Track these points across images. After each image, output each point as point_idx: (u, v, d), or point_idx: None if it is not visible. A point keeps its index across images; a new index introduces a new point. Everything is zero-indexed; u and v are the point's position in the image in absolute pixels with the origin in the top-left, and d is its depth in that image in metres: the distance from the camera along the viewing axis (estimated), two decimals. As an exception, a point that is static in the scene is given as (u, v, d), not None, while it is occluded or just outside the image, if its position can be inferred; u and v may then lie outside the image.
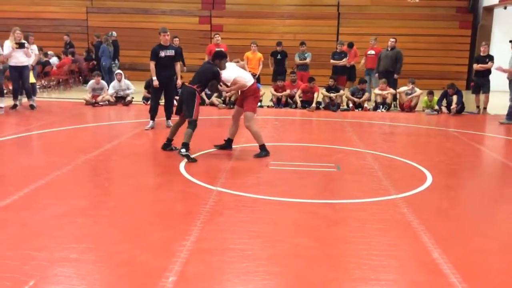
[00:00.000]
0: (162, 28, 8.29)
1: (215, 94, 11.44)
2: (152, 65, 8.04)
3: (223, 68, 6.54)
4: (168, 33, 8.20)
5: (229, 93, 10.48)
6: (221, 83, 6.60)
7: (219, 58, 6.52)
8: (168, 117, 8.46)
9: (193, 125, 6.34)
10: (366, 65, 12.86)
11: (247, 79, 6.60)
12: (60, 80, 14.37)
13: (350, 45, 12.96)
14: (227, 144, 6.91)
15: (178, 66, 8.37)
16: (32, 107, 10.19)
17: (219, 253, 3.48)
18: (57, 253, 3.39)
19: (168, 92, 8.38)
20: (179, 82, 8.48)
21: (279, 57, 12.77)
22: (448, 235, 3.92)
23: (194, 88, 6.39)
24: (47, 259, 3.29)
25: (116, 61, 13.54)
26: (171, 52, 8.12)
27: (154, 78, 8.03)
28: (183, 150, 6.16)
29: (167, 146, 6.72)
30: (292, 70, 12.26)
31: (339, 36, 16.71)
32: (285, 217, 4.27)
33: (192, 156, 6.23)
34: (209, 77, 6.43)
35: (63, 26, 17.79)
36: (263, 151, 6.61)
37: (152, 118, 8.33)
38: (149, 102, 11.57)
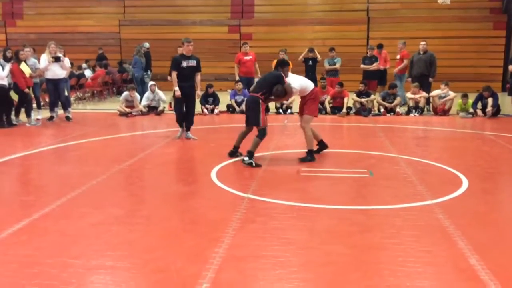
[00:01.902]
0: (185, 38, 8.17)
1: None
2: (174, 75, 7.96)
3: (287, 75, 6.71)
4: (192, 43, 8.11)
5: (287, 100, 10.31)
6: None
7: (282, 65, 6.69)
8: (188, 128, 8.33)
9: (261, 133, 6.53)
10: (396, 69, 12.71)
11: (308, 84, 6.83)
12: (95, 91, 14.74)
13: (380, 47, 12.83)
14: (322, 145, 7.20)
15: (198, 76, 8.22)
16: (68, 118, 10.48)
17: (252, 260, 3.48)
18: (94, 261, 3.46)
19: (189, 103, 8.27)
20: (198, 92, 8.41)
21: (310, 63, 12.76)
22: (485, 241, 3.81)
23: (258, 96, 6.49)
24: (84, 267, 3.37)
25: (149, 72, 13.77)
26: (192, 63, 8.04)
27: (176, 88, 7.96)
28: (246, 158, 6.34)
29: (233, 153, 6.87)
30: (322, 76, 12.21)
31: (369, 40, 16.56)
32: (318, 223, 4.25)
33: (225, 163, 6.28)
34: (273, 82, 6.54)
35: (97, 39, 18.28)
36: (309, 156, 6.68)
37: (181, 125, 8.37)
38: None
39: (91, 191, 5.26)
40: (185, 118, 8.30)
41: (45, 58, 10.12)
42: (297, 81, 6.76)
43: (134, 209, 4.70)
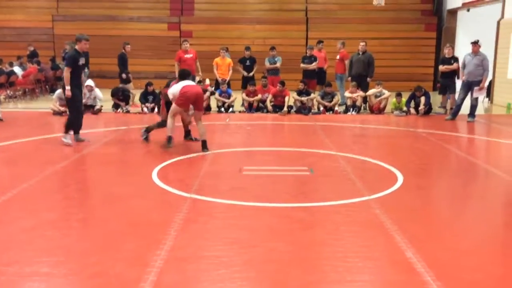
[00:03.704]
0: (82, 34, 7.78)
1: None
2: (67, 73, 7.42)
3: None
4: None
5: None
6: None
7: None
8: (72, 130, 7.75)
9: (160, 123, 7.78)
10: (335, 69, 13.03)
11: (175, 91, 7.33)
12: (26, 89, 14.04)
13: (319, 42, 13.12)
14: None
15: (82, 75, 7.94)
16: (-3, 118, 9.90)
17: (194, 261, 3.45)
18: (28, 268, 3.29)
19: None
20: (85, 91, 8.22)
21: (248, 63, 12.80)
22: (420, 235, 3.99)
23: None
24: (18, 274, 3.20)
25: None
26: (82, 61, 7.62)
27: (68, 87, 7.41)
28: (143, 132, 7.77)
29: (187, 136, 8.02)
30: (263, 75, 12.30)
31: (308, 40, 16.88)
32: (260, 222, 4.27)
33: (166, 162, 6.21)
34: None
35: (28, 35, 17.42)
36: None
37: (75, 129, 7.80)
38: (118, 110, 11.52)
39: (23, 195, 4.99)
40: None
41: None
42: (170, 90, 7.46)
43: (70, 212, 4.51)
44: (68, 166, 6.30)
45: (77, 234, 3.95)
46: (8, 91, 13.41)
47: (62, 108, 10.80)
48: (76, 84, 7.58)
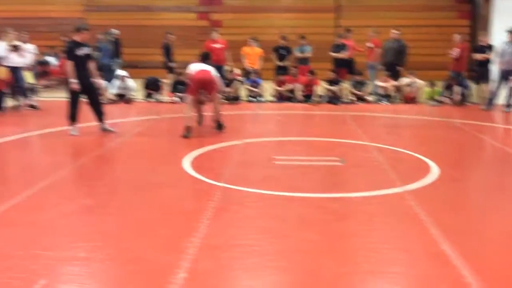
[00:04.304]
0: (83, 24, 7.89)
1: None
2: (69, 65, 7.40)
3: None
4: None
5: None
6: None
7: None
8: (101, 119, 7.77)
9: None
10: (367, 58, 12.84)
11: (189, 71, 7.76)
12: (61, 79, 14.36)
13: (347, 31, 12.98)
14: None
15: (92, 65, 7.70)
16: (33, 107, 10.19)
17: (227, 249, 3.48)
18: (66, 252, 3.39)
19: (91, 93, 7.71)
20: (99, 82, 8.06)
21: (282, 52, 12.76)
22: (456, 227, 3.92)
23: None
24: (56, 258, 3.30)
25: (118, 60, 13.46)
26: (87, 50, 7.54)
27: (73, 80, 7.38)
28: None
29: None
30: (293, 65, 12.24)
31: (338, 28, 16.65)
32: (291, 212, 4.27)
33: (197, 151, 6.28)
34: None
35: (60, 25, 17.76)
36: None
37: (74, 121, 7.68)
38: (150, 99, 11.67)
39: (61, 182, 5.14)
40: (92, 110, 7.74)
41: (2, 45, 9.78)
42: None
43: (106, 199, 4.62)
44: (103, 154, 6.45)
45: (113, 220, 4.04)
46: (44, 81, 13.76)
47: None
48: (83, 75, 7.40)
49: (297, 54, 12.63)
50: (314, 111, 10.67)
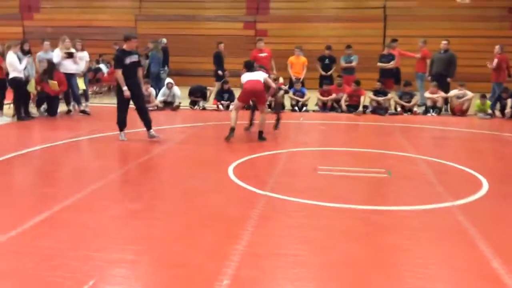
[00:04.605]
0: (131, 33, 8.10)
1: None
2: (119, 73, 7.52)
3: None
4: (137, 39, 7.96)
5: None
6: None
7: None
8: (149, 127, 7.81)
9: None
10: (416, 68, 12.59)
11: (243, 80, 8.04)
12: (111, 86, 14.83)
13: (393, 41, 12.78)
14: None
15: (140, 72, 7.84)
16: (84, 112, 10.56)
17: (271, 258, 3.49)
18: (115, 254, 3.49)
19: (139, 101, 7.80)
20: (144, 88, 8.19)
21: (327, 61, 12.71)
22: (508, 245, 3.77)
23: None
24: (105, 260, 3.40)
25: (166, 68, 13.78)
26: (135, 58, 7.66)
27: (125, 88, 7.50)
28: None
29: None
30: (338, 74, 12.16)
31: (385, 38, 16.44)
32: (336, 223, 4.23)
33: (242, 159, 6.33)
34: None
35: (112, 34, 18.38)
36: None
37: (122, 128, 7.84)
38: (195, 107, 11.87)
39: (110, 185, 5.31)
40: (140, 117, 7.81)
41: (58, 53, 10.21)
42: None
43: (152, 204, 4.73)
44: (149, 160, 6.61)
45: (160, 225, 4.12)
46: (95, 87, 14.25)
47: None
48: (132, 82, 7.55)
49: (343, 64, 12.54)
50: (359, 121, 10.54)
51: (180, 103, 11.83)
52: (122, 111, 7.75)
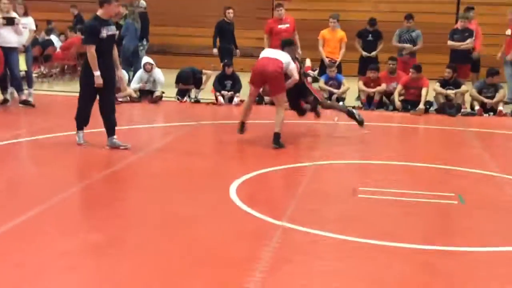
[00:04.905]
0: None
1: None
2: (92, 50, 7.38)
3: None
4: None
5: None
6: None
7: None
8: (111, 131, 7.71)
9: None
10: (506, 50, 12.50)
11: None
12: (66, 66, 14.92)
13: (468, 10, 12.73)
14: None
15: (116, 52, 7.86)
16: (26, 103, 10.58)
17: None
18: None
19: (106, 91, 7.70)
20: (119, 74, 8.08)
21: (370, 37, 12.68)
22: None
23: None
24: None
25: (144, 42, 13.80)
26: (112, 31, 7.66)
27: (97, 74, 7.37)
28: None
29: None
30: (390, 56, 12.13)
31: (460, 6, 16.38)
32: (384, 269, 4.20)
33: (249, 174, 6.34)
34: None
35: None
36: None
37: (81, 127, 7.80)
38: (185, 99, 11.90)
39: (61, 207, 5.30)
40: (103, 116, 7.73)
41: None
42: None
43: (120, 236, 4.71)
44: (117, 173, 6.60)
45: (129, 266, 4.10)
46: (43, 68, 14.33)
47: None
48: (107, 65, 7.51)
49: (396, 43, 12.46)
50: (418, 124, 10.51)
51: (163, 92, 11.86)
52: (86, 103, 7.68)
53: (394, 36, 12.56)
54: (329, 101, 10.10)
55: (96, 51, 7.35)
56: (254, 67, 8.22)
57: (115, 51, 7.81)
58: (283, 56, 8.09)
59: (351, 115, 8.89)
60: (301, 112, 9.05)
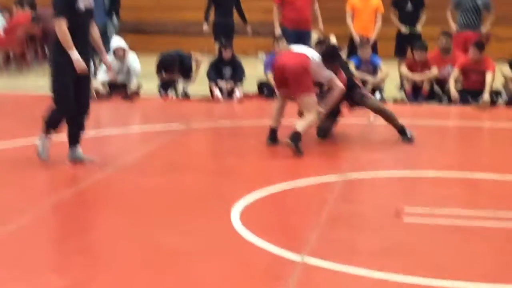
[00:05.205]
0: None
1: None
2: (63, 26, 7.38)
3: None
4: None
5: None
6: None
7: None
8: (75, 140, 7.81)
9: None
10: None
11: None
12: (11, 53, 14.96)
13: None
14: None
15: (95, 30, 7.93)
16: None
17: None
18: None
19: (81, 86, 7.80)
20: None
21: (409, 7, 12.68)
22: None
23: None
24: None
25: (114, 19, 13.83)
26: (90, 4, 7.64)
27: (77, 55, 7.41)
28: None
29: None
30: (443, 31, 12.13)
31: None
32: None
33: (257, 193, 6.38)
34: None
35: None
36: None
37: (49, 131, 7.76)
38: (169, 93, 11.94)
39: (11, 240, 5.34)
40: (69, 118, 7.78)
41: None
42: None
43: (87, 277, 4.74)
44: (83, 195, 6.63)
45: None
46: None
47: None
48: (84, 48, 7.57)
49: (450, 14, 12.46)
50: (482, 121, 10.52)
51: (140, 85, 11.89)
52: (63, 97, 7.59)
53: (452, 2, 12.52)
54: (381, 104, 10.06)
55: (70, 30, 7.31)
56: (274, 65, 8.56)
57: (96, 31, 7.86)
58: (310, 51, 8.40)
59: (402, 132, 8.97)
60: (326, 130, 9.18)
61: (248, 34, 13.07)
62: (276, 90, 8.77)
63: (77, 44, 7.38)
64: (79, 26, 7.45)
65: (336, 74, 8.43)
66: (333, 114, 9.02)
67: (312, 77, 8.19)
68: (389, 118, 9.11)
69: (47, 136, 7.66)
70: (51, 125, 7.66)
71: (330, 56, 8.46)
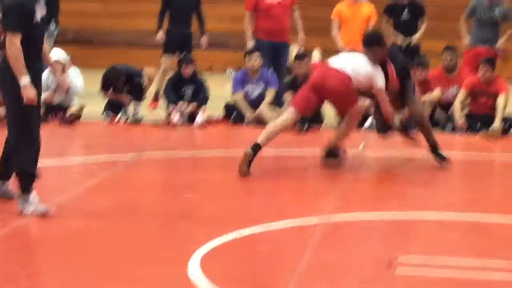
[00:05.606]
0: None
1: None
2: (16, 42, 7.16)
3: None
4: None
5: None
6: None
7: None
8: (7, 175, 7.90)
9: None
10: None
11: None
12: None
13: None
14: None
15: (47, 45, 8.03)
16: None
17: None
18: None
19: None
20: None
21: (404, 15, 12.81)
22: None
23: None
24: None
25: (52, 26, 13.87)
26: (43, 11, 7.54)
27: (26, 81, 7.13)
28: None
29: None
30: (447, 46, 12.26)
31: None
32: None
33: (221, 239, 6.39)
34: None
35: None
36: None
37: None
38: (118, 115, 11.96)
39: None
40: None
41: None
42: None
43: None
44: (5, 240, 6.61)
45: None
46: None
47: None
48: (37, 69, 7.55)
49: (464, 24, 12.61)
50: (492, 152, 10.63)
51: (83, 107, 11.90)
52: (27, 130, 7.45)
53: (467, 11, 12.62)
54: (424, 112, 10.32)
55: (24, 46, 7.10)
56: (312, 80, 8.90)
57: (46, 47, 7.84)
58: (359, 63, 8.82)
59: (434, 150, 9.24)
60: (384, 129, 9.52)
61: (201, 47, 13.06)
62: (296, 110, 8.87)
63: (32, 61, 7.21)
64: (32, 40, 7.27)
65: (384, 65, 8.72)
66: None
67: (355, 93, 8.62)
68: (426, 130, 9.40)
69: (30, 192, 7.38)
70: (30, 176, 7.44)
71: (373, 43, 8.83)
